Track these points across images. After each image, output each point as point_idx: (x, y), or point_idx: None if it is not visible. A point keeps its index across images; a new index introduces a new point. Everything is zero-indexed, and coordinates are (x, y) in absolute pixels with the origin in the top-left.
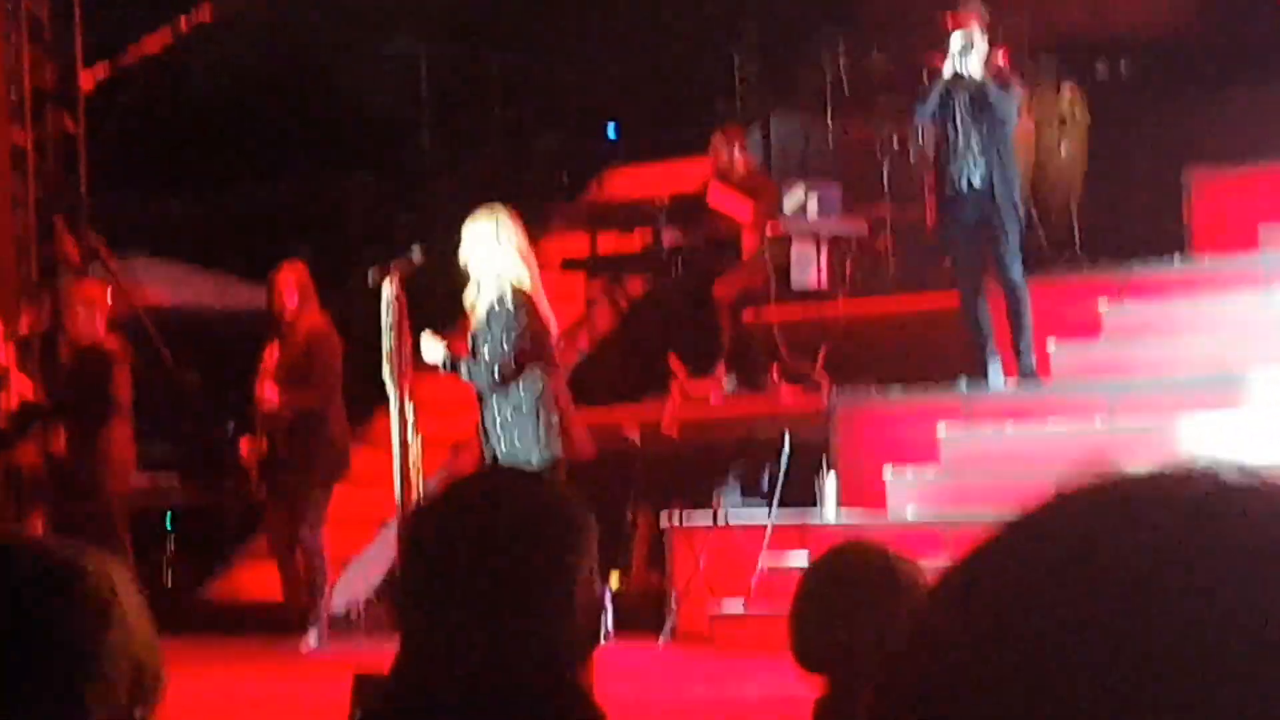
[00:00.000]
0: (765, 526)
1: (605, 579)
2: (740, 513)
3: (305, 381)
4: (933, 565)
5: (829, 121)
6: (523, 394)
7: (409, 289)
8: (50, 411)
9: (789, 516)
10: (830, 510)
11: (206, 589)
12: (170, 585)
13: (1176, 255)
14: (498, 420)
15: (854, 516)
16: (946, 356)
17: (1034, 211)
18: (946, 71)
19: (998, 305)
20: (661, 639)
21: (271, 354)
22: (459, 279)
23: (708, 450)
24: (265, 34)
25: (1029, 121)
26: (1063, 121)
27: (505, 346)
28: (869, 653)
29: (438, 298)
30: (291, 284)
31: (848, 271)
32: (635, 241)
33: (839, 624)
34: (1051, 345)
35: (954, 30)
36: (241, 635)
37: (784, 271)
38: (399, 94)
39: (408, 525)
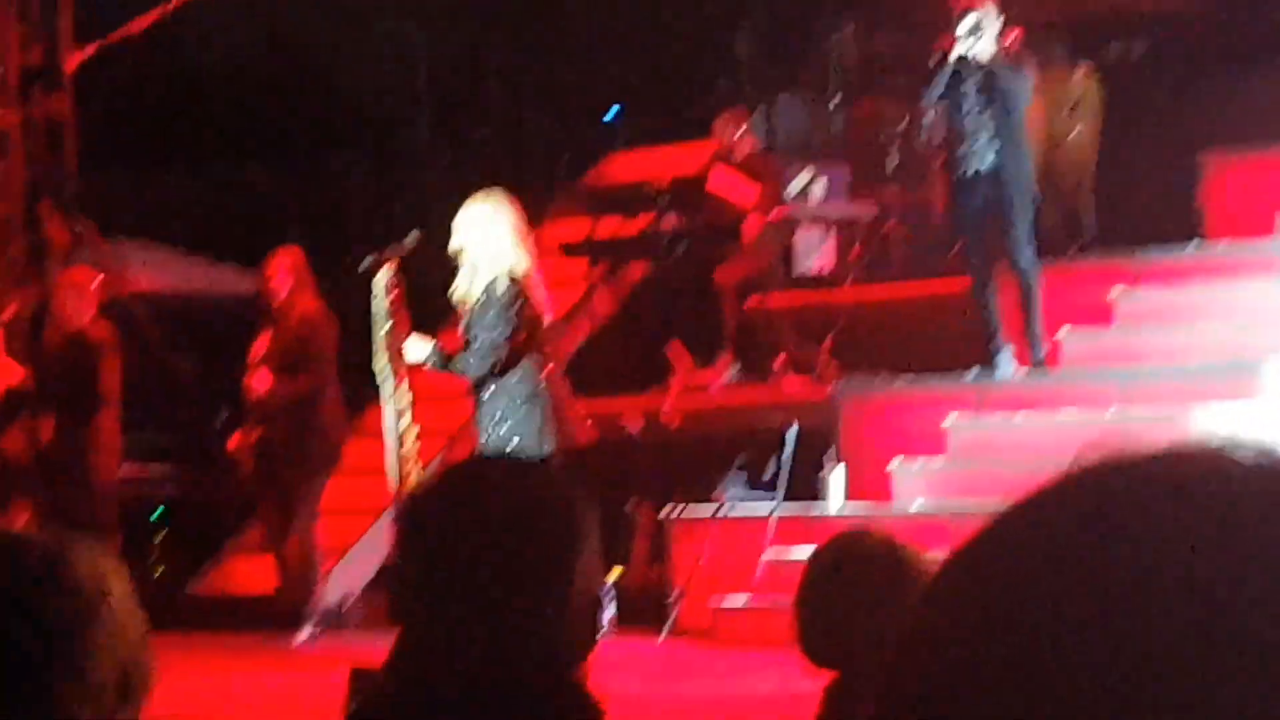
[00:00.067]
0: (769, 519)
1: (605, 573)
2: (743, 505)
3: (298, 369)
4: (940, 558)
5: (835, 104)
6: (518, 384)
7: (405, 276)
8: (38, 400)
9: (793, 509)
10: (836, 502)
11: (197, 582)
12: (160, 579)
13: (1191, 241)
14: (492, 410)
15: (860, 508)
16: (955, 344)
17: (1046, 195)
18: (956, 53)
19: (1008, 292)
20: (663, 634)
21: (264, 341)
22: (457, 266)
23: (710, 441)
24: (258, 14)
25: (1040, 104)
26: (1075, 104)
27: (501, 333)
28: (877, 644)
29: (434, 285)
30: (286, 269)
31: (854, 257)
32: (636, 226)
33: (846, 615)
34: (1063, 333)
35: (964, 11)
36: (233, 630)
37: (789, 257)
38: (395, 75)
39: (403, 515)
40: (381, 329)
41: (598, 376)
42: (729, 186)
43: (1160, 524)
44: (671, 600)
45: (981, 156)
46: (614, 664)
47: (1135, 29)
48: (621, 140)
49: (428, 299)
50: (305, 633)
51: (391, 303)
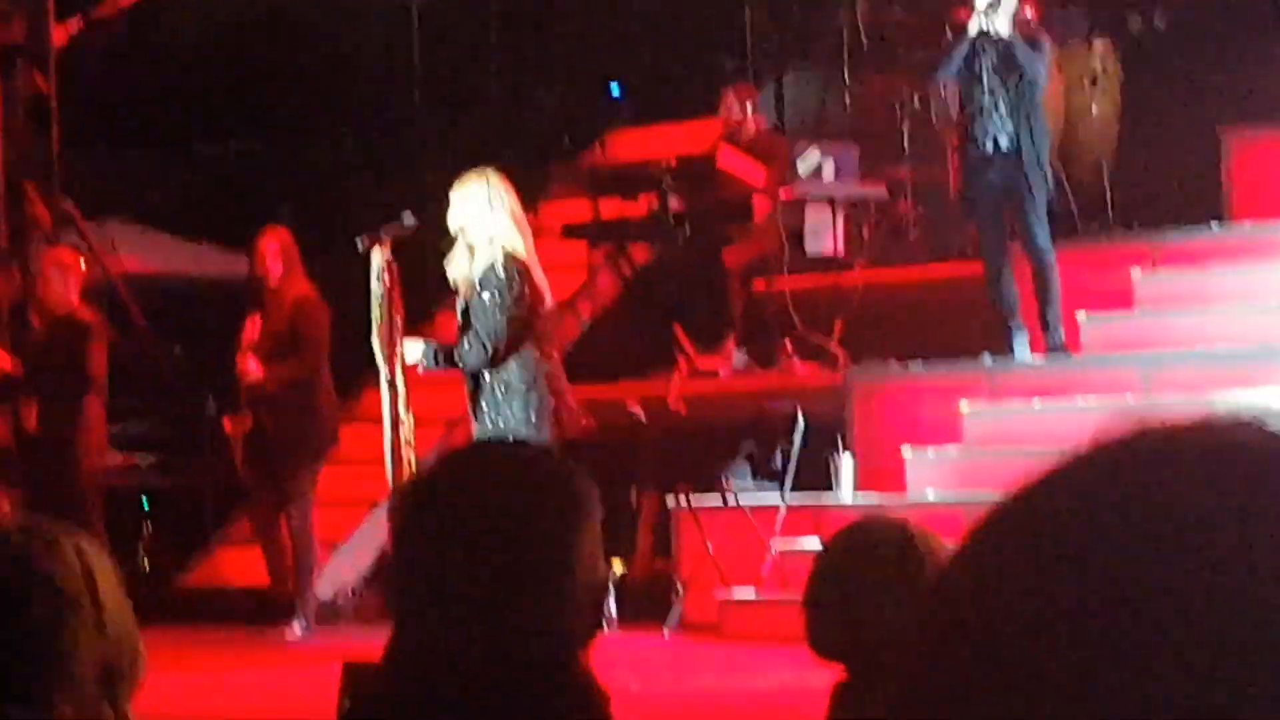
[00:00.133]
0: (777, 509)
1: (608, 564)
2: (751, 494)
3: (290, 354)
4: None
5: (846, 79)
6: (514, 370)
7: (400, 256)
8: (22, 385)
9: (802, 498)
10: (846, 491)
11: (186, 575)
12: (147, 571)
13: (1214, 221)
14: (488, 397)
15: (871, 499)
16: (970, 329)
17: (1063, 175)
18: (972, 28)
19: (1024, 275)
20: (667, 628)
21: (254, 325)
22: (453, 245)
23: (716, 429)
24: None
25: (1058, 80)
26: (1094, 79)
27: (500, 317)
28: (891, 636)
29: (431, 265)
30: (275, 251)
31: (865, 238)
32: (640, 206)
33: (857, 607)
34: (1081, 317)
35: None
36: (224, 623)
37: (798, 238)
38: (389, 48)
39: (402, 500)
40: (377, 311)
41: (600, 362)
42: (736, 167)
43: (1193, 495)
44: (677, 593)
45: (998, 134)
46: (617, 659)
47: (1156, 1)
48: (624, 118)
49: (424, 280)
50: (299, 627)
51: (386, 284)
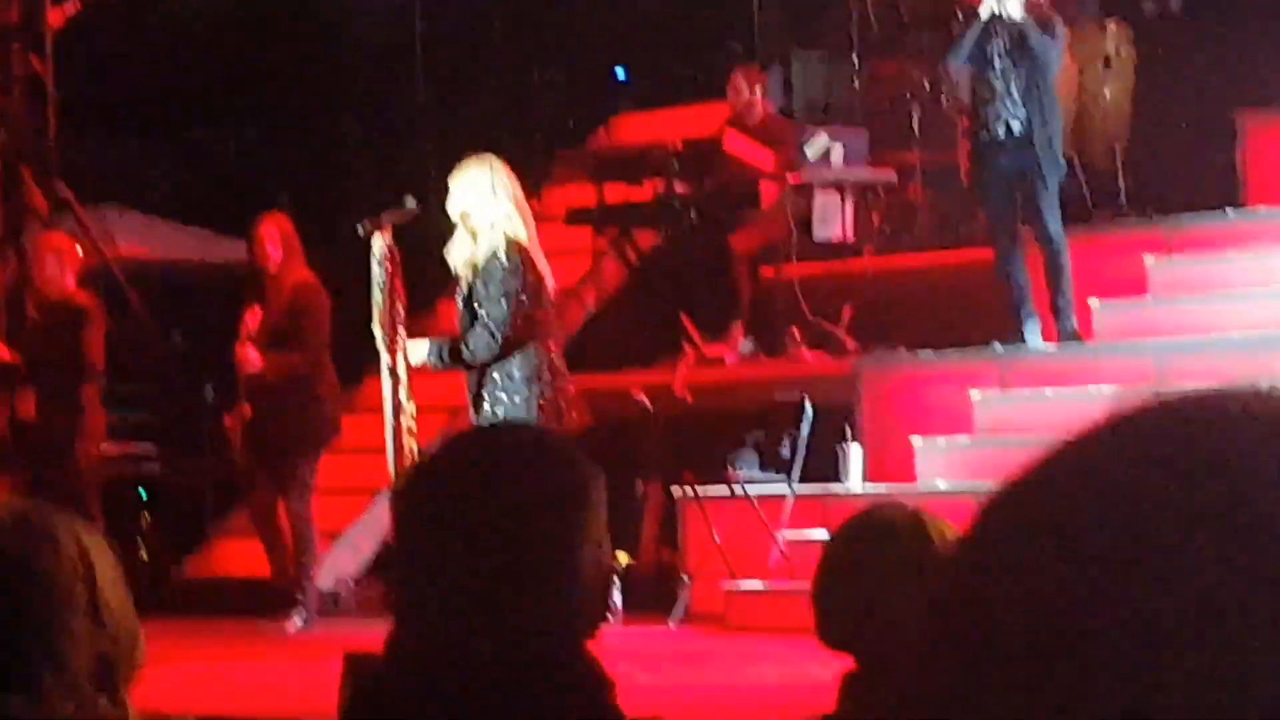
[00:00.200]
0: (785, 499)
1: (613, 555)
2: (758, 485)
3: (291, 342)
4: None
5: (855, 63)
6: (517, 360)
7: (402, 242)
8: (18, 372)
9: (810, 489)
10: (855, 481)
11: (184, 566)
12: (146, 562)
13: (1229, 207)
14: (489, 388)
15: (881, 488)
16: (981, 316)
17: (1076, 160)
18: (984, 11)
19: (1036, 261)
20: (673, 620)
21: (254, 314)
22: (454, 231)
23: (723, 417)
24: None
25: (1071, 63)
26: (1107, 62)
27: (506, 306)
28: (901, 625)
29: (433, 251)
30: (274, 237)
31: (875, 224)
32: (646, 191)
33: (867, 595)
34: (1094, 304)
35: None
36: (223, 615)
37: (806, 224)
38: (391, 30)
39: (404, 484)
40: (378, 298)
41: (605, 350)
42: (743, 151)
43: (1213, 460)
44: (683, 584)
45: (1009, 119)
46: (622, 651)
47: None
48: (630, 101)
49: (426, 266)
50: (299, 618)
51: (388, 271)
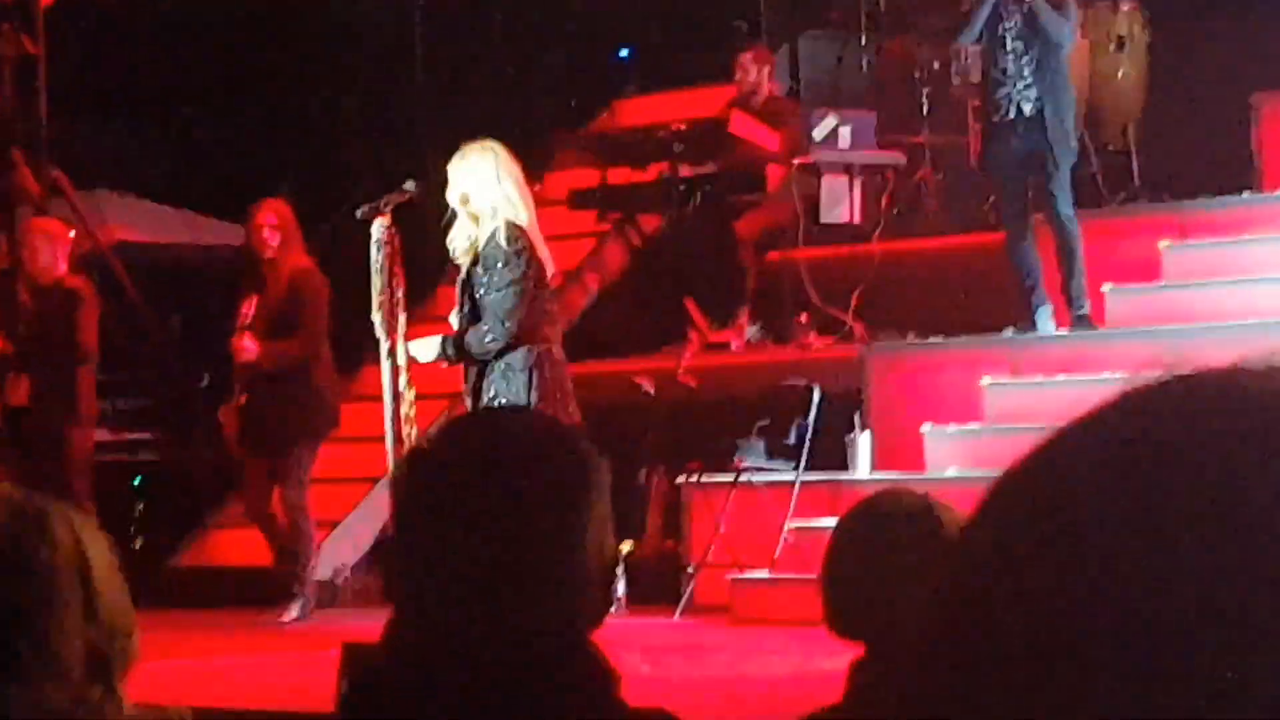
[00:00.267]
0: (791, 487)
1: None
2: (764, 473)
3: (289, 330)
4: None
5: (863, 42)
6: (519, 349)
7: (402, 227)
8: (11, 357)
9: (818, 477)
10: (863, 469)
11: (179, 555)
12: (140, 551)
13: (1244, 190)
14: (489, 377)
15: (890, 476)
16: (991, 301)
17: (1088, 142)
18: None
19: (1047, 245)
20: (678, 610)
21: (251, 301)
22: (454, 216)
23: (729, 404)
24: None
25: (1083, 43)
26: (1120, 42)
27: (514, 295)
28: (911, 612)
29: (432, 237)
30: (273, 223)
31: (883, 207)
32: (650, 174)
33: (877, 583)
34: (1106, 289)
35: None
36: (218, 606)
37: (813, 207)
38: (390, 11)
39: (404, 469)
40: (377, 283)
41: (608, 336)
42: (750, 132)
43: (1216, 453)
44: (687, 574)
45: (1021, 101)
46: (626, 642)
47: None
48: (633, 83)
49: (426, 250)
50: (295, 608)
51: (387, 255)
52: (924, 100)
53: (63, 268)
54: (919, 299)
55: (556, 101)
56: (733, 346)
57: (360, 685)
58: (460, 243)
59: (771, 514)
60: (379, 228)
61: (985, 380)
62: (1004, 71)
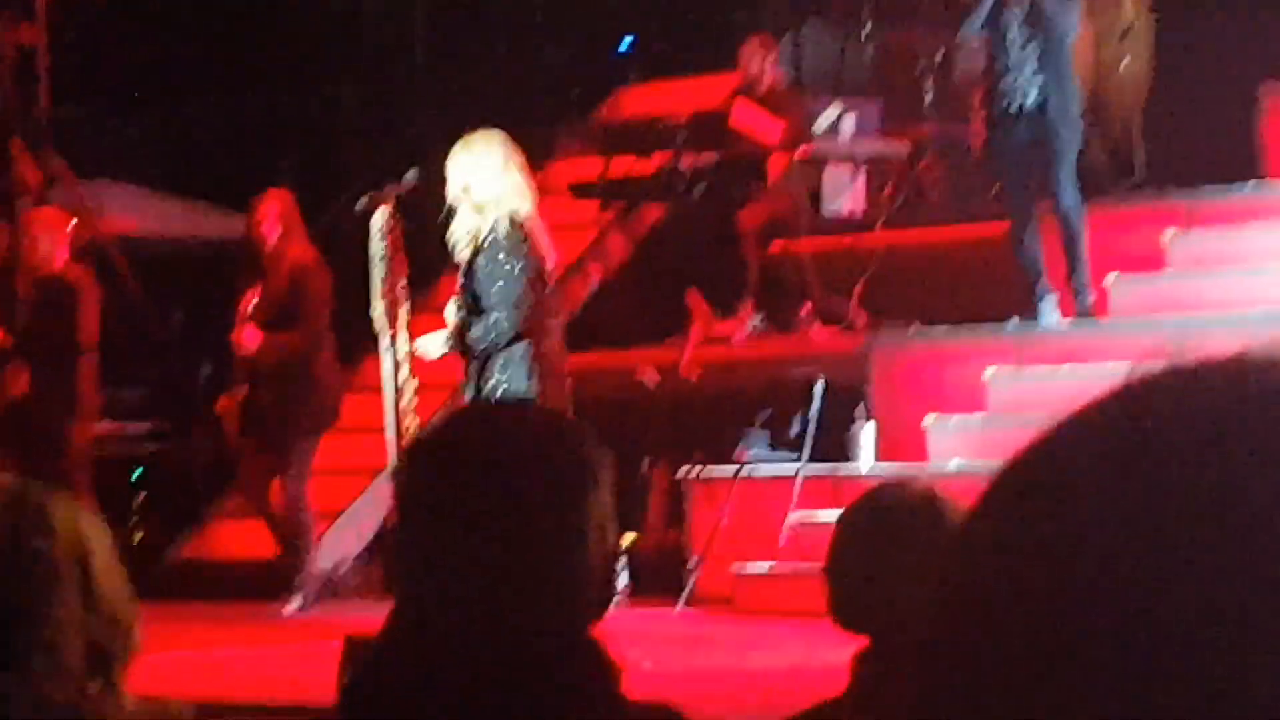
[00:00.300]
0: (794, 480)
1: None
2: (767, 465)
3: (290, 321)
4: None
5: (867, 31)
6: (519, 340)
7: (403, 217)
8: (10, 350)
9: (820, 469)
10: (866, 462)
11: (179, 548)
12: (139, 544)
13: (1250, 180)
14: (491, 367)
15: (892, 469)
16: (995, 292)
17: (1092, 132)
18: None
19: (1051, 236)
20: (680, 603)
21: (252, 293)
22: (456, 207)
23: (731, 396)
24: None
25: (1088, 33)
26: (1125, 32)
27: (518, 285)
28: (915, 605)
29: (434, 226)
30: (274, 214)
31: (886, 198)
32: (652, 165)
33: (882, 575)
34: (1111, 279)
35: None
36: (219, 598)
37: (816, 198)
38: (392, 1)
39: (405, 461)
40: (379, 273)
41: (610, 327)
42: (752, 122)
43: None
44: (689, 567)
45: (1025, 90)
46: (628, 634)
47: None
48: (636, 73)
49: (427, 241)
50: (296, 601)
51: (389, 245)
52: (928, 90)
53: (63, 259)
54: (922, 290)
55: (559, 91)
56: (735, 338)
57: (362, 678)
58: (461, 236)
59: (774, 506)
60: (381, 217)
61: (989, 371)
62: (1008, 62)
